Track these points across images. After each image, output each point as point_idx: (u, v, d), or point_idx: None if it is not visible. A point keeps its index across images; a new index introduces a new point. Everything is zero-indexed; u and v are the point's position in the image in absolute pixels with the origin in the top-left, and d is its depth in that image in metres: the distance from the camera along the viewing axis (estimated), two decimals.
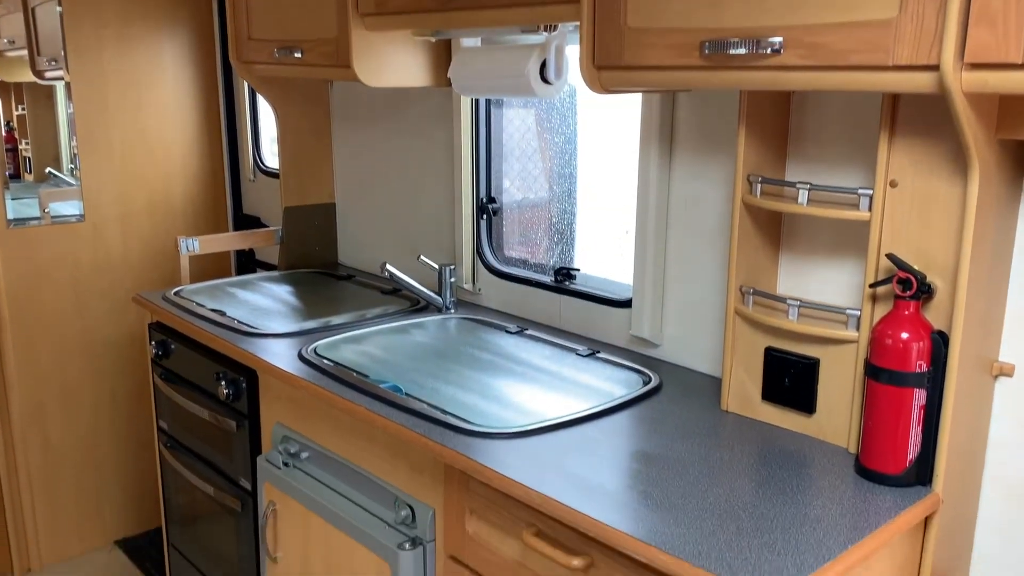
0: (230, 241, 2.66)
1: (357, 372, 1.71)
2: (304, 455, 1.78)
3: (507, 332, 2.01)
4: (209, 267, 3.14)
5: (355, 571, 1.61)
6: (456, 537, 1.43)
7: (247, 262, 3.14)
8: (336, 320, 2.07)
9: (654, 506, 1.18)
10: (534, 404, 1.61)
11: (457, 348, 1.93)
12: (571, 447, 1.38)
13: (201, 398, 2.10)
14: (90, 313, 2.93)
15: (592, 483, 1.25)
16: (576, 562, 1.19)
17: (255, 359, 1.83)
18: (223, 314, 2.13)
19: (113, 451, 3.07)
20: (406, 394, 1.60)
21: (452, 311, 2.15)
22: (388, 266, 2.07)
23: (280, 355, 1.82)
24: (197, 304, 2.21)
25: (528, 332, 1.99)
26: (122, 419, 3.07)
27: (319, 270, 2.64)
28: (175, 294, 2.31)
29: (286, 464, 1.81)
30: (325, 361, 1.76)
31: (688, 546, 1.08)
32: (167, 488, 2.40)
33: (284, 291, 2.40)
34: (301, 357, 1.79)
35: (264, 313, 2.17)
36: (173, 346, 2.22)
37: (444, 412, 1.51)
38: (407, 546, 1.49)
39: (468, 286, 2.24)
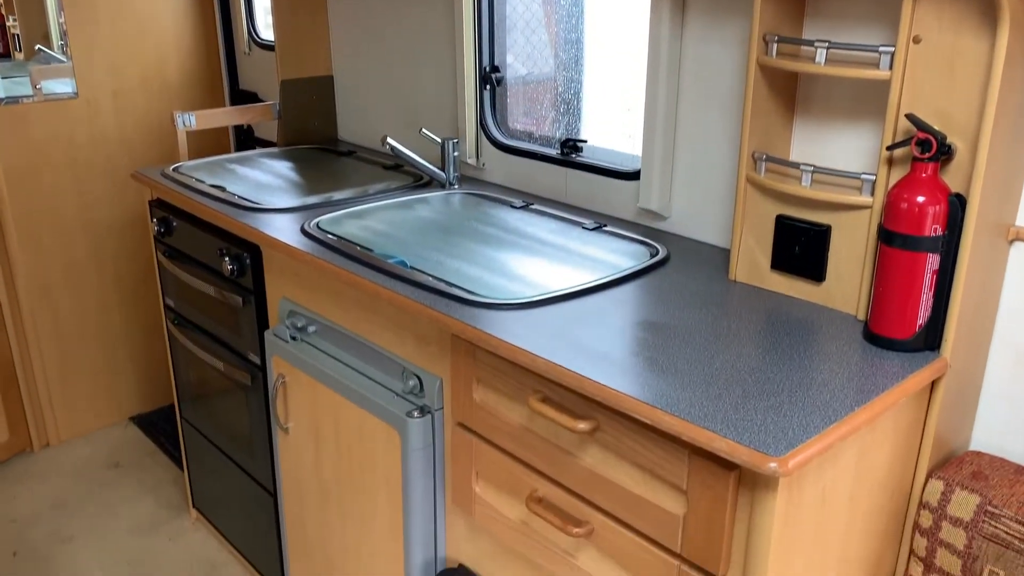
0: (227, 116, 2.59)
1: (361, 247, 1.69)
2: (311, 329, 1.78)
3: (512, 207, 1.98)
4: (207, 145, 3.08)
5: (364, 439, 1.64)
6: (463, 405, 1.45)
7: (246, 139, 3.08)
8: (338, 196, 2.04)
9: (659, 372, 1.18)
10: (540, 277, 1.60)
11: (462, 223, 1.90)
12: (577, 317, 1.37)
13: (206, 275, 2.09)
14: (90, 192, 2.90)
15: (598, 351, 1.25)
16: (582, 425, 1.20)
17: (258, 234, 1.81)
18: (223, 190, 2.10)
19: (123, 330, 3.10)
20: (411, 268, 1.59)
21: (456, 186, 2.11)
22: (389, 140, 2.02)
23: (283, 230, 1.80)
24: (196, 180, 2.17)
25: (534, 207, 1.96)
26: (129, 298, 3.08)
27: (319, 146, 2.58)
28: (174, 170, 2.27)
29: (293, 338, 1.82)
30: (328, 236, 1.74)
31: (694, 408, 1.09)
32: (177, 365, 2.42)
33: (284, 167, 2.36)
34: (304, 232, 1.77)
35: (265, 189, 2.13)
36: (175, 223, 2.19)
37: (450, 284, 1.50)
38: (415, 414, 1.51)
39: (472, 160, 2.19)
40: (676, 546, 1.15)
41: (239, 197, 2.03)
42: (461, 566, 1.58)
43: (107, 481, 2.83)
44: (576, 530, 1.26)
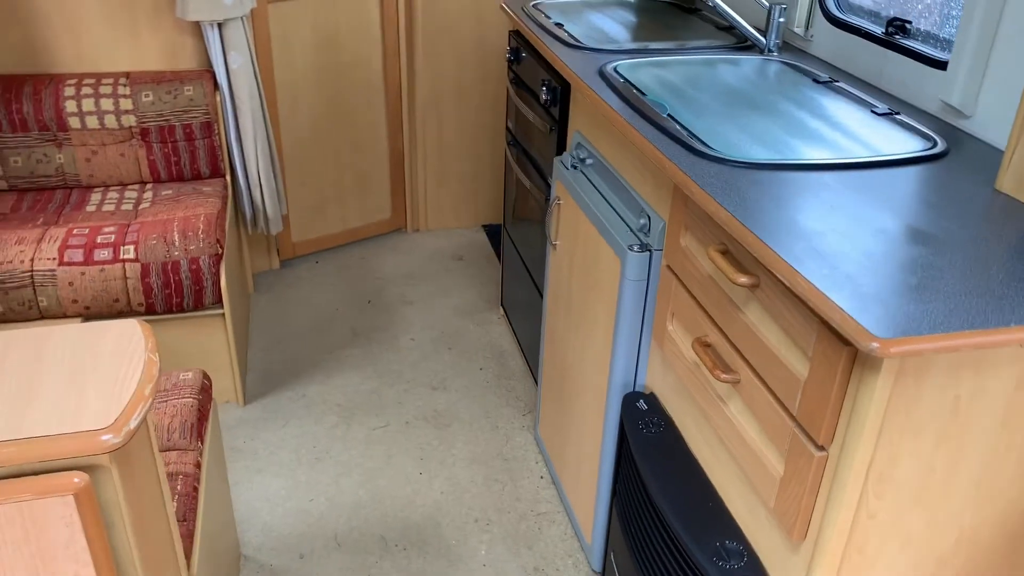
0: None
1: (638, 90, 1.81)
2: (588, 161, 1.98)
3: (816, 81, 1.93)
4: None
5: (599, 262, 1.83)
6: (673, 248, 1.56)
7: None
8: (654, 45, 2.15)
9: (832, 249, 1.19)
10: (784, 146, 1.60)
11: (750, 88, 1.91)
12: (800, 190, 1.38)
13: (532, 101, 2.37)
14: (486, 19, 3.31)
15: (790, 219, 1.28)
16: (743, 279, 1.27)
17: (568, 70, 2.02)
18: (561, 27, 2.32)
19: (489, 148, 3.57)
20: (668, 115, 1.69)
21: (774, 54, 2.09)
22: None
23: (587, 69, 1.98)
24: (545, 16, 2.42)
25: (838, 84, 1.89)
26: (500, 120, 3.52)
27: (674, 1, 2.67)
28: (533, 5, 2.54)
29: (574, 166, 2.03)
30: (618, 78, 1.89)
31: (839, 283, 1.09)
32: (508, 181, 2.79)
33: (628, 16, 2.50)
34: (599, 71, 1.94)
35: (598, 32, 2.31)
36: (523, 54, 2.48)
37: (691, 135, 1.58)
38: (635, 248, 1.66)
39: (799, 30, 2.14)
40: (794, 408, 1.20)
41: (570, 35, 2.24)
42: (651, 393, 1.74)
43: (450, 268, 3.40)
44: (723, 376, 1.35)
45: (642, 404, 1.72)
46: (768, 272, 1.24)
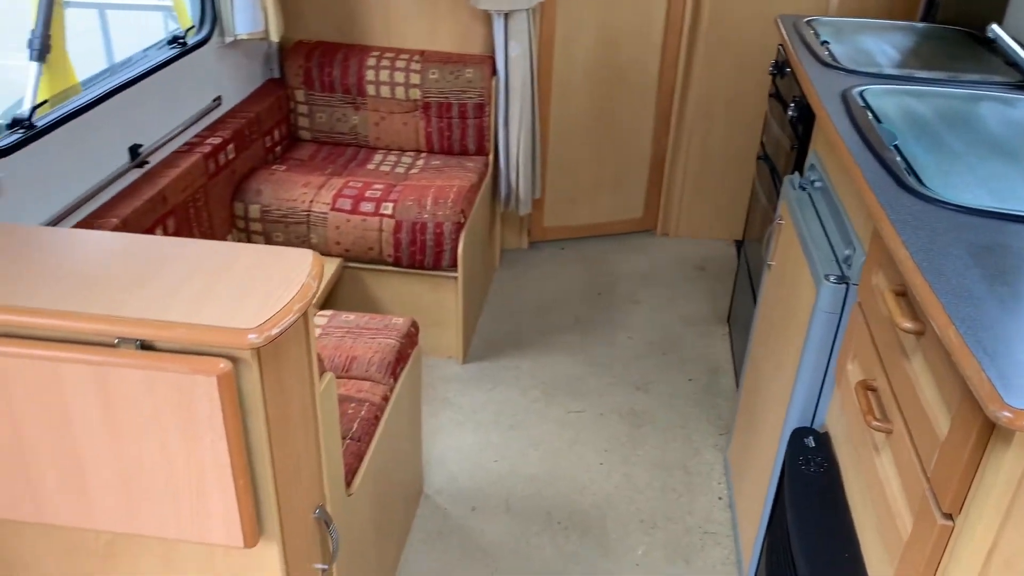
0: None
1: (874, 115, 1.72)
2: (818, 184, 1.91)
3: None
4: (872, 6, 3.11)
5: (798, 289, 1.77)
6: (866, 284, 1.48)
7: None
8: (920, 74, 2.00)
9: (1010, 299, 1.08)
10: (1017, 198, 1.44)
11: (1007, 132, 1.73)
12: (1005, 243, 1.26)
13: (782, 117, 2.31)
14: (771, 33, 3.24)
15: (980, 276, 1.17)
16: (907, 324, 1.19)
17: (809, 87, 1.95)
18: (827, 45, 2.23)
19: (755, 163, 3.49)
20: (894, 145, 1.59)
21: None
22: (995, 27, 1.87)
23: (834, 89, 1.90)
24: (814, 34, 2.34)
25: None
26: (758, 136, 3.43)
27: (964, 28, 2.44)
28: (807, 22, 2.46)
29: (802, 187, 1.97)
30: (859, 102, 1.80)
31: (996, 340, 1.01)
32: (752, 197, 2.74)
33: (907, 40, 2.34)
34: (843, 94, 1.85)
35: (863, 54, 2.19)
36: (787, 68, 2.42)
37: (908, 169, 1.48)
38: (832, 279, 1.59)
39: None
40: (930, 468, 1.11)
41: (830, 55, 2.15)
42: (825, 433, 1.66)
43: (688, 277, 3.39)
44: (875, 422, 1.28)
45: (810, 441, 1.65)
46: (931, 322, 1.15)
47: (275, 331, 1.00)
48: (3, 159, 1.79)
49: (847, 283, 1.57)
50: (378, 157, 3.03)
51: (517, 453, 2.46)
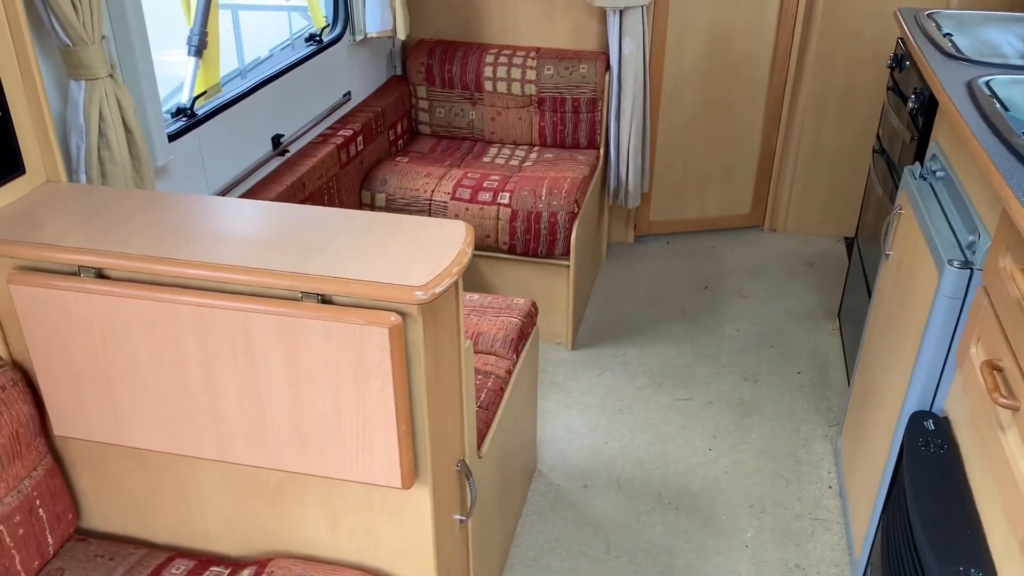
0: None
1: (1002, 104, 1.73)
2: (940, 174, 1.92)
3: None
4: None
5: (918, 274, 1.79)
6: (992, 268, 1.50)
7: None
8: None
9: None
10: None
11: None
12: None
13: (901, 109, 2.31)
14: (888, 29, 3.21)
15: None
16: None
17: (933, 77, 1.95)
18: (949, 37, 2.22)
19: (866, 159, 3.46)
20: (1022, 133, 1.59)
21: None
22: None
23: (959, 79, 1.90)
24: (936, 26, 2.33)
25: None
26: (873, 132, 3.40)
27: None
28: (927, 15, 2.45)
29: (923, 177, 1.98)
30: (986, 91, 1.80)
31: None
32: (867, 191, 2.73)
33: None
34: (969, 84, 1.86)
35: (988, 46, 2.19)
36: (906, 61, 2.42)
37: None
38: (956, 264, 1.61)
39: None
40: None
41: (954, 46, 2.15)
42: (944, 417, 1.68)
43: (796, 272, 3.39)
44: (1002, 400, 1.30)
45: (929, 424, 1.67)
46: None
47: (438, 289, 1.12)
48: (171, 144, 1.97)
49: (971, 268, 1.59)
50: (493, 150, 3.15)
51: (626, 436, 2.53)
